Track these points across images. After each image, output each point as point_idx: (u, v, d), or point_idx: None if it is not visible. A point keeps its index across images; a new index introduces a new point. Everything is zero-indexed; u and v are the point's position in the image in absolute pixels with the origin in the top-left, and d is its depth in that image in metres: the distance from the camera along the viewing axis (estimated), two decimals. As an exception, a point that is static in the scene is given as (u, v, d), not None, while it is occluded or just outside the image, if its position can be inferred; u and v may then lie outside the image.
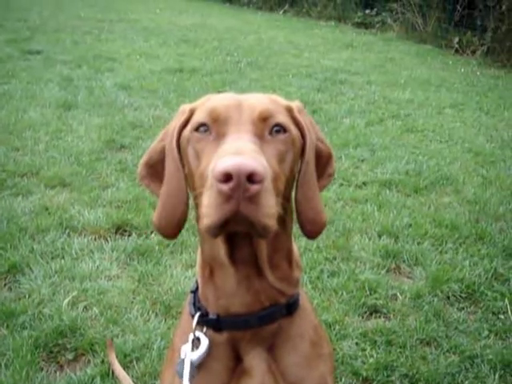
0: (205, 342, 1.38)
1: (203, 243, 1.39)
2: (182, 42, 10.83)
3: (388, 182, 4.67)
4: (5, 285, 3.16)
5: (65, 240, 3.59)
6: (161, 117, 6.05)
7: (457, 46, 10.99)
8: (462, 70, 9.49)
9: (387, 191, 4.53)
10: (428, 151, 5.50)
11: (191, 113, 1.37)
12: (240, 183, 1.07)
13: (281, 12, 16.54)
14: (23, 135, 5.42)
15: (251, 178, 1.07)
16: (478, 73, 9.34)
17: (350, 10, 14.59)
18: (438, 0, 11.74)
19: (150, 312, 2.97)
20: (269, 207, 1.12)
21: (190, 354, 1.37)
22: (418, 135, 6.01)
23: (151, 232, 3.66)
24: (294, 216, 1.39)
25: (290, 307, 1.42)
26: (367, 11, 14.14)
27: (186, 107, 1.41)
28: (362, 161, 5.16)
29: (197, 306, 1.43)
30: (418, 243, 3.73)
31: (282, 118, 1.29)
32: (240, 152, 1.12)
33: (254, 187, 1.08)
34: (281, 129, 1.28)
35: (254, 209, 1.09)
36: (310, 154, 1.36)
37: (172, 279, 3.23)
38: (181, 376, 1.35)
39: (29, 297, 3.02)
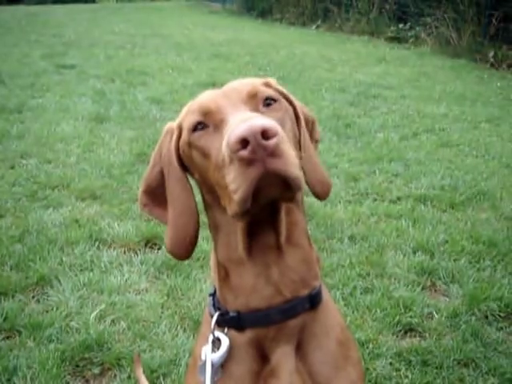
0: (225, 342, 1.34)
1: (218, 243, 1.37)
2: (215, 57, 10.85)
3: (423, 198, 4.56)
4: (33, 297, 3.14)
5: (94, 253, 3.57)
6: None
7: (492, 59, 10.79)
8: (498, 84, 9.31)
9: (422, 206, 4.42)
10: (464, 166, 5.37)
11: (180, 128, 1.35)
12: (258, 142, 1.08)
13: (313, 27, 16.51)
14: (55, 148, 5.46)
15: (265, 134, 1.09)
16: (515, 87, 9.16)
17: (383, 25, 14.48)
18: (472, 14, 11.58)
19: (179, 327, 2.91)
20: (292, 157, 1.13)
21: (210, 355, 1.33)
22: (453, 150, 5.88)
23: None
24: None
25: (313, 300, 1.37)
26: (400, 26, 14.00)
27: (172, 125, 1.40)
28: (396, 175, 5.06)
29: (216, 306, 1.40)
30: (455, 260, 3.61)
31: (269, 91, 1.35)
32: (246, 119, 1.13)
33: (272, 141, 1.09)
34: (271, 100, 1.32)
35: (280, 161, 1.10)
36: (302, 119, 1.43)
37: (201, 294, 3.17)
38: (203, 379, 1.31)
39: (56, 309, 3.00)
